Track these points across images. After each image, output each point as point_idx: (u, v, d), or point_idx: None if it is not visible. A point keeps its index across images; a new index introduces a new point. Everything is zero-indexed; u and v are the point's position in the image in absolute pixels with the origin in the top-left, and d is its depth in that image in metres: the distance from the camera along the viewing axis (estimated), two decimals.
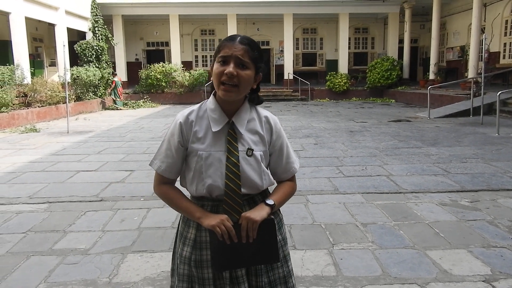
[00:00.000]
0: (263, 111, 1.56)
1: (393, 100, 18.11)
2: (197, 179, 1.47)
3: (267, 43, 23.31)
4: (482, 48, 12.91)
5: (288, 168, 1.57)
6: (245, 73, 1.40)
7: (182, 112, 1.51)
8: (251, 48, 1.41)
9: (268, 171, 1.53)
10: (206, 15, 21.26)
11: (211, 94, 1.52)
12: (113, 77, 17.08)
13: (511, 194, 4.53)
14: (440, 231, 3.56)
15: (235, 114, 1.48)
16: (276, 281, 1.52)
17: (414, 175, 5.38)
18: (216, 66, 1.42)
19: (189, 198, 1.55)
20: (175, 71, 18.83)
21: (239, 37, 1.43)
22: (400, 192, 4.70)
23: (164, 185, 1.55)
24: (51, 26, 16.60)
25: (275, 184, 1.61)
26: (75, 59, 16.76)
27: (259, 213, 1.43)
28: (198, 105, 1.54)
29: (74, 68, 15.16)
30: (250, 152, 1.46)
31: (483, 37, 10.83)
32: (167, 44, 22.66)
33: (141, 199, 4.60)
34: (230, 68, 1.37)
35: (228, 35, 1.48)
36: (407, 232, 3.55)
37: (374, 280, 2.76)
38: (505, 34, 16.57)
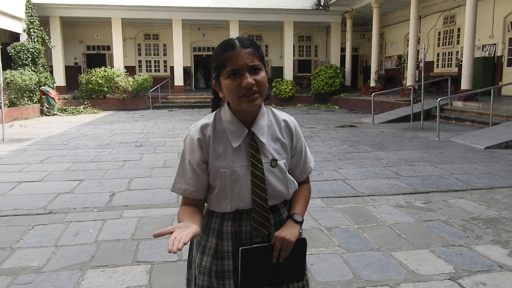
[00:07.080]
0: (280, 114, 1.49)
1: (337, 106, 18.68)
2: (221, 197, 1.39)
3: (212, 49, 23.13)
4: (421, 57, 13.66)
5: (306, 168, 1.54)
6: (261, 76, 1.31)
7: (195, 127, 1.40)
8: (255, 48, 1.33)
9: (292, 178, 1.48)
10: (150, 19, 20.75)
11: (225, 104, 1.42)
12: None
13: (460, 195, 4.79)
14: (401, 233, 3.67)
15: (254, 123, 1.39)
16: None
17: (369, 179, 5.54)
18: (228, 82, 1.31)
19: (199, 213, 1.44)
20: (118, 76, 18.14)
21: (237, 42, 1.31)
22: (358, 196, 4.81)
23: (183, 206, 1.43)
24: None
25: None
26: (8, 62, 15.61)
27: (292, 232, 1.37)
28: (210, 117, 1.42)
29: (8, 71, 14.13)
30: (274, 163, 1.39)
31: (423, 47, 11.47)
32: (109, 48, 21.85)
33: (95, 210, 4.34)
34: (248, 79, 1.28)
35: (223, 42, 1.35)
36: (371, 235, 3.63)
37: (347, 284, 2.77)
38: (438, 45, 17.73)
